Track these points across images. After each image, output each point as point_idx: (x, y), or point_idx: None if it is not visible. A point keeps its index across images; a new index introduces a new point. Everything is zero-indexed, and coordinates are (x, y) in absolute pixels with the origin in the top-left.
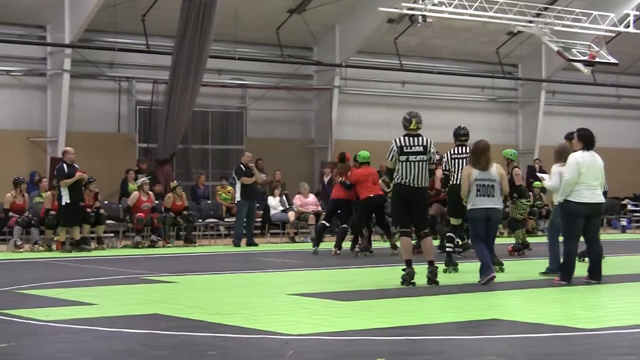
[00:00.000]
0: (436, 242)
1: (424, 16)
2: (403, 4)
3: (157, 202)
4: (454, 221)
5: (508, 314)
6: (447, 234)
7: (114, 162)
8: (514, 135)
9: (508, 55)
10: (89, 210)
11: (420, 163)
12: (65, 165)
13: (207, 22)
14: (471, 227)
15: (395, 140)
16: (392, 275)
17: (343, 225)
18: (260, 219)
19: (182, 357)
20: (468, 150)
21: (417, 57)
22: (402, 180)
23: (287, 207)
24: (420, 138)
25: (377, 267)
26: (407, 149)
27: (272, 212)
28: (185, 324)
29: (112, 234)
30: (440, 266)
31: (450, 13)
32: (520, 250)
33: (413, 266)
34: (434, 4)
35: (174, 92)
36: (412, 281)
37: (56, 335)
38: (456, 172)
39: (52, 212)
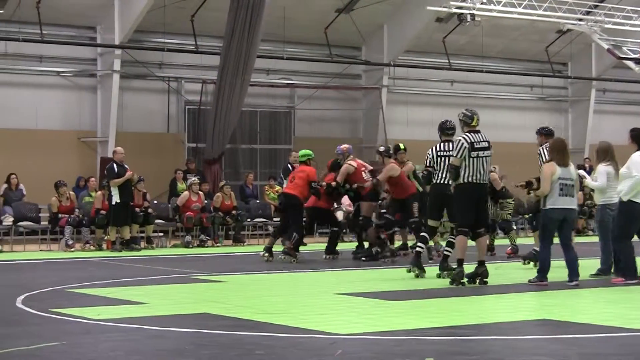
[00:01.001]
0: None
1: (472, 15)
2: (452, 3)
3: (206, 201)
4: (432, 223)
5: (558, 314)
6: (421, 235)
7: (163, 162)
8: (564, 134)
9: (557, 54)
10: (137, 209)
11: (488, 159)
12: (115, 165)
13: (255, 22)
14: (544, 227)
15: (464, 137)
16: (434, 275)
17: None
18: None
19: (230, 356)
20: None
21: (465, 56)
22: (472, 178)
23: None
24: (483, 134)
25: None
26: (477, 144)
27: None
28: (233, 323)
29: (161, 234)
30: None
31: (499, 12)
32: (516, 252)
33: (463, 266)
34: (482, 3)
35: (222, 92)
36: (462, 281)
37: (106, 334)
38: (441, 171)
39: (103, 212)
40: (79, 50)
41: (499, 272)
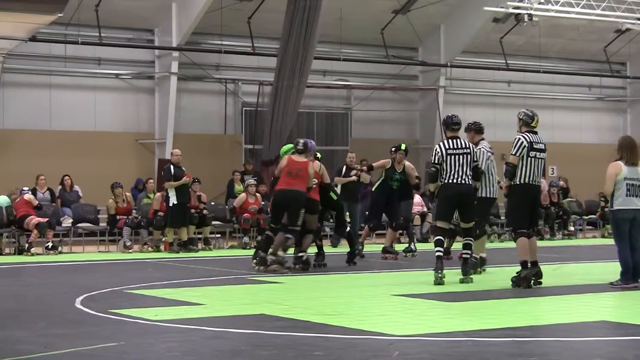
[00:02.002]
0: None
1: (530, 15)
2: (509, 3)
3: (263, 203)
4: (442, 224)
5: (616, 315)
6: (437, 238)
7: (220, 164)
8: (623, 134)
9: (616, 54)
10: (192, 211)
11: (543, 161)
12: (172, 167)
13: (312, 24)
14: (616, 227)
15: (523, 136)
16: (496, 276)
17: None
18: None
19: (288, 357)
20: (464, 145)
21: (522, 57)
22: (529, 179)
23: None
24: (540, 136)
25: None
26: (535, 145)
27: None
28: (290, 324)
29: (218, 235)
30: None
31: (557, 11)
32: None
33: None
34: (540, 3)
35: (279, 93)
36: (530, 283)
37: (164, 335)
38: (452, 170)
39: (160, 213)
40: (137, 52)
41: (558, 272)
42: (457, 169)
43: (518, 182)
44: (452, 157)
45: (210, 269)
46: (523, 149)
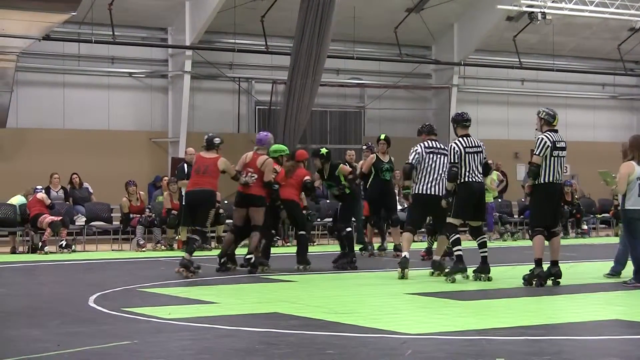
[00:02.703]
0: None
1: (543, 13)
2: (522, 2)
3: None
4: (454, 221)
5: (630, 314)
6: (456, 237)
7: (233, 162)
8: (636, 133)
9: (630, 52)
10: None
11: (564, 159)
12: (185, 166)
13: (325, 22)
14: (628, 226)
15: (546, 136)
16: (510, 275)
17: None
18: None
19: (301, 355)
20: (476, 143)
21: (536, 55)
22: (552, 178)
23: (406, 206)
24: (560, 134)
25: (495, 266)
26: (558, 144)
27: None
28: (304, 322)
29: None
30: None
31: (571, 10)
32: (450, 255)
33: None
34: (553, 1)
35: (292, 92)
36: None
37: (178, 333)
38: (470, 169)
39: (174, 212)
40: (151, 51)
41: (571, 271)
42: (473, 167)
43: (542, 182)
44: (469, 155)
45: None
46: (547, 149)
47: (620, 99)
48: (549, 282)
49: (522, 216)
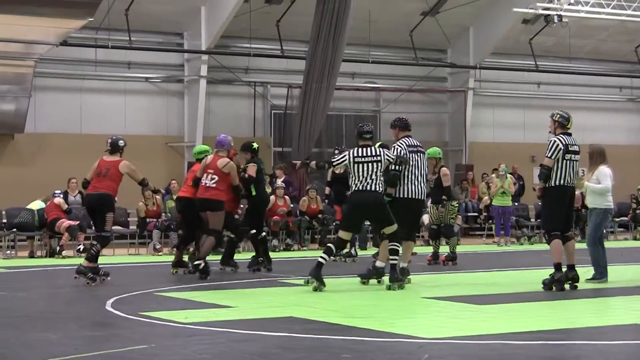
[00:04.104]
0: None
1: (559, 16)
2: (538, 4)
3: (292, 205)
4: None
5: None
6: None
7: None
8: None
9: None
10: None
11: (577, 163)
12: None
13: (340, 26)
14: None
15: (559, 139)
16: (528, 279)
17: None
18: None
19: (317, 359)
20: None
21: (552, 58)
22: (564, 181)
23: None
24: (574, 137)
25: (512, 270)
26: (570, 147)
27: None
28: (320, 326)
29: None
30: None
31: (587, 12)
32: (453, 260)
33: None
34: (569, 4)
35: (308, 96)
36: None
37: (194, 337)
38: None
39: None
40: (167, 56)
41: (589, 275)
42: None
43: (554, 185)
44: (360, 165)
45: (240, 271)
46: (559, 151)
47: (638, 101)
48: (567, 286)
49: (538, 220)
